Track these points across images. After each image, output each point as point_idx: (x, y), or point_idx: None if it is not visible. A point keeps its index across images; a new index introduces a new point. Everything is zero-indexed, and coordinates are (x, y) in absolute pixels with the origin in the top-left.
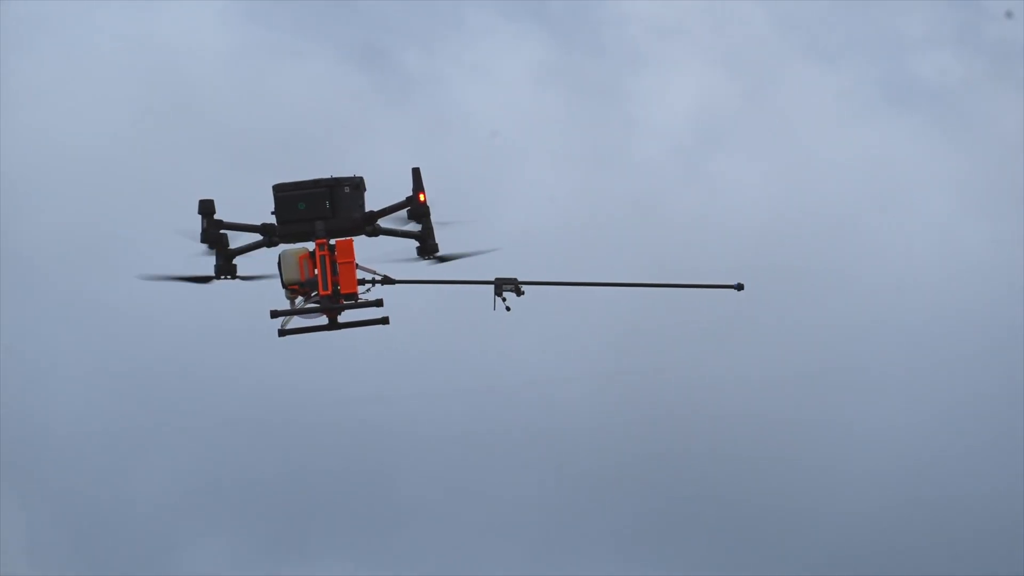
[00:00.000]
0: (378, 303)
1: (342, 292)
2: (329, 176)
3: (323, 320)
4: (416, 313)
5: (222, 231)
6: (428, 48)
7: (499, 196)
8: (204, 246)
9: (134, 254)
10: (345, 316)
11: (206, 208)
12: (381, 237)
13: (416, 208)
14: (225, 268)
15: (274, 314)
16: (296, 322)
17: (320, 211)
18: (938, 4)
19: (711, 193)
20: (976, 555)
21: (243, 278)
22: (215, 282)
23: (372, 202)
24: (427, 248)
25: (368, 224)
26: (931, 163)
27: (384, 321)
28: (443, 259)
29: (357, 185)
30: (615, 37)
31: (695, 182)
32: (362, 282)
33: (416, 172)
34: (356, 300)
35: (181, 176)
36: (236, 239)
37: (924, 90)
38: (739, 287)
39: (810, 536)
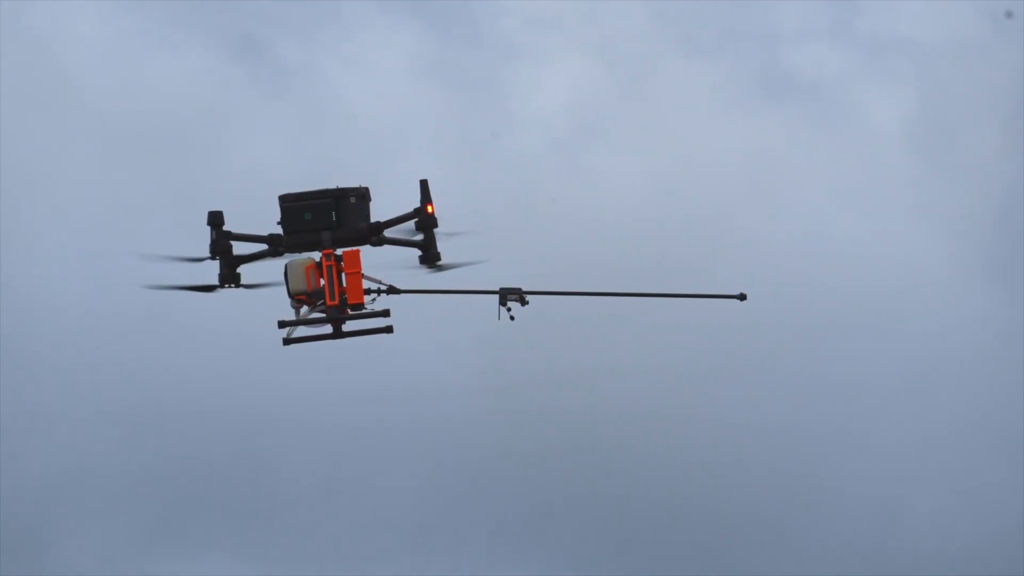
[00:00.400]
0: (385, 313)
1: (349, 302)
2: (335, 186)
3: (328, 329)
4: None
5: (231, 241)
6: (305, 40)
7: (376, 188)
8: (214, 257)
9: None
10: (350, 325)
11: (215, 219)
12: (384, 246)
13: (424, 219)
14: (229, 276)
15: (282, 324)
16: (301, 331)
17: (326, 221)
18: None
19: (586, 186)
20: None
21: (247, 286)
22: (220, 291)
23: (257, 193)
24: (430, 257)
25: (374, 234)
26: (806, 156)
27: (388, 330)
28: (444, 268)
29: (363, 195)
30: (491, 29)
31: (571, 175)
32: (368, 292)
33: (424, 184)
34: (363, 310)
35: (57, 167)
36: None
37: (799, 83)
38: (742, 297)
39: (682, 532)
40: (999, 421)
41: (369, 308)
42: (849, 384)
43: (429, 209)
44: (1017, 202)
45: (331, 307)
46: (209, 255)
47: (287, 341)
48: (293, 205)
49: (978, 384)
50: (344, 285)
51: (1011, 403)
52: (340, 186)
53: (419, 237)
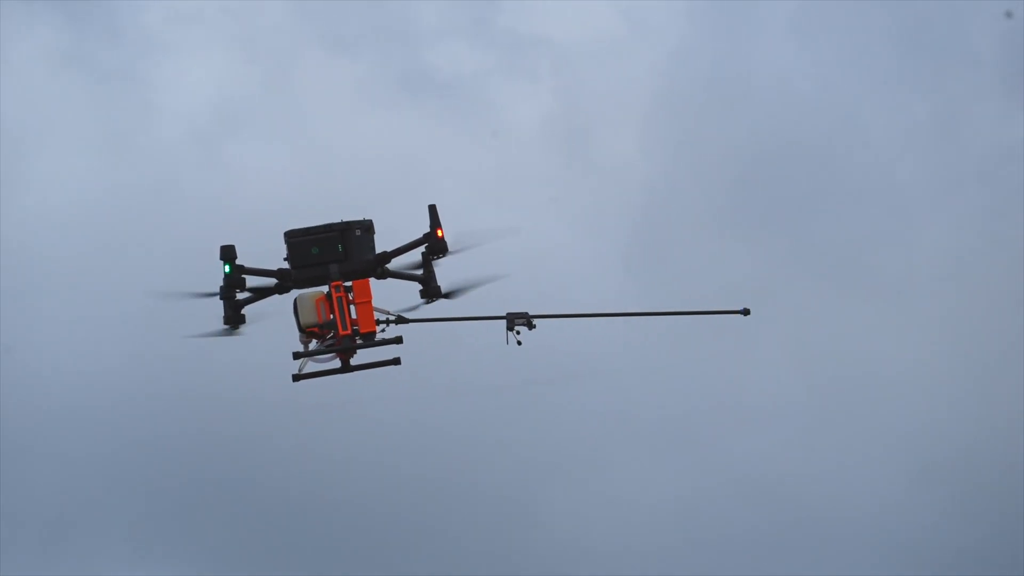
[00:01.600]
0: (398, 340)
1: (361, 332)
2: (339, 220)
3: (336, 363)
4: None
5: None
6: None
7: (12, 183)
8: (226, 291)
9: None
10: (358, 358)
11: (228, 254)
12: (388, 279)
13: (435, 244)
14: (234, 319)
15: (296, 355)
16: (311, 366)
17: (333, 254)
18: None
19: (228, 178)
20: None
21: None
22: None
23: None
24: (430, 291)
25: (381, 264)
26: (446, 153)
27: (396, 362)
28: (448, 296)
29: (368, 228)
30: (132, 23)
31: (212, 168)
32: (377, 322)
33: (432, 209)
34: (375, 339)
35: None
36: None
37: (437, 80)
38: (745, 312)
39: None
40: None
41: (381, 337)
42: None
43: (439, 234)
44: (656, 199)
45: (344, 337)
46: (222, 289)
47: (297, 377)
48: (299, 240)
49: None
50: (355, 316)
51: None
52: (344, 220)
53: (420, 272)
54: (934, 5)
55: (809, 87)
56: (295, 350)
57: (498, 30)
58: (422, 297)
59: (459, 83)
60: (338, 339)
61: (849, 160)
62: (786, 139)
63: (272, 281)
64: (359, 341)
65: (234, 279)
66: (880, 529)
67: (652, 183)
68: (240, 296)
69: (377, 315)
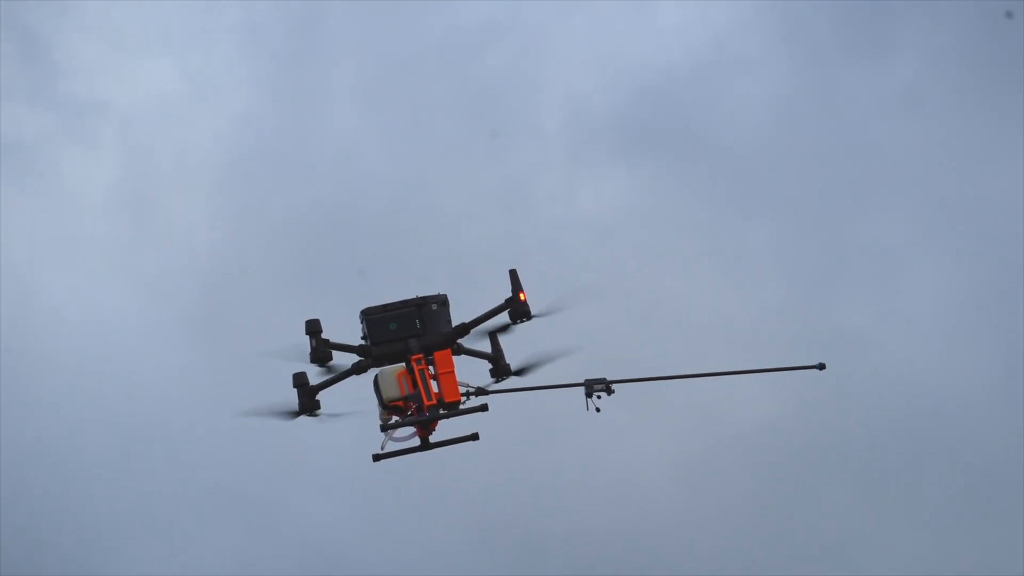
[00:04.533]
0: (483, 408)
1: (446, 401)
2: (415, 296)
3: (416, 442)
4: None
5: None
6: None
7: None
8: (315, 366)
9: None
10: (436, 435)
11: (313, 328)
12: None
13: (518, 308)
14: (310, 405)
15: (383, 428)
16: (390, 446)
17: (411, 329)
18: None
19: None
20: None
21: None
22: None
23: None
24: (500, 369)
25: (460, 336)
26: (10, 216)
27: (474, 437)
28: (518, 373)
29: (443, 302)
30: None
31: None
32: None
33: (513, 273)
34: (460, 408)
35: None
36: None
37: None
38: (821, 367)
39: None
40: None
41: (465, 405)
42: None
43: (522, 297)
44: (221, 265)
45: (429, 407)
46: (310, 361)
47: (377, 457)
48: (378, 317)
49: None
50: (436, 388)
51: None
52: (420, 295)
53: (489, 350)
54: (501, 82)
55: (375, 154)
56: (380, 424)
57: (59, 93)
58: (492, 376)
59: (21, 147)
60: (422, 410)
61: (414, 228)
62: (351, 206)
63: (349, 360)
64: (444, 411)
65: (321, 352)
66: None
67: (218, 249)
68: (314, 382)
69: (459, 387)
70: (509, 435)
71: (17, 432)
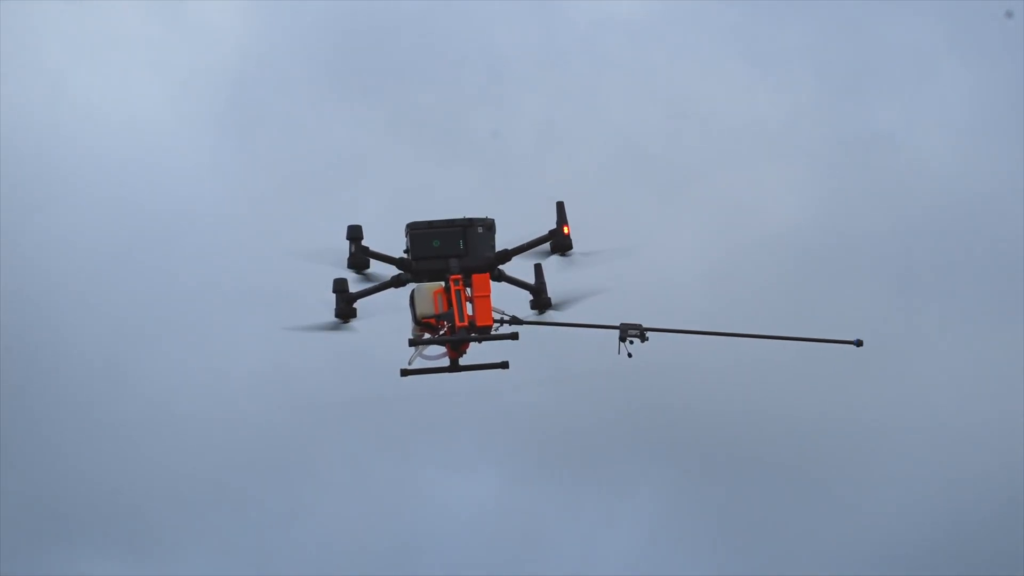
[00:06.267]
0: (513, 336)
1: (478, 325)
2: (463, 216)
3: (445, 362)
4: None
5: (368, 257)
6: None
7: None
8: (351, 272)
9: None
10: (466, 359)
11: (354, 233)
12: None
13: (560, 240)
14: (346, 311)
15: (411, 343)
16: (419, 362)
17: (454, 249)
18: None
19: None
20: None
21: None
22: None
23: None
24: (541, 303)
25: (501, 262)
26: None
27: (504, 365)
28: (557, 308)
29: (490, 226)
30: None
31: None
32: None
33: (560, 205)
34: (490, 334)
35: None
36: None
37: None
38: (858, 343)
39: None
40: None
41: (497, 331)
42: None
43: (566, 230)
44: None
45: (460, 328)
46: (347, 266)
47: (405, 372)
48: (422, 232)
49: None
50: (471, 311)
51: None
52: (467, 216)
53: (532, 281)
54: None
55: None
56: (409, 339)
57: None
58: (532, 308)
59: None
60: (454, 331)
61: (449, 29)
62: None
63: (389, 272)
64: (474, 334)
65: (359, 259)
66: None
67: (250, 47)
68: (353, 289)
69: (493, 314)
70: None
71: (53, 224)
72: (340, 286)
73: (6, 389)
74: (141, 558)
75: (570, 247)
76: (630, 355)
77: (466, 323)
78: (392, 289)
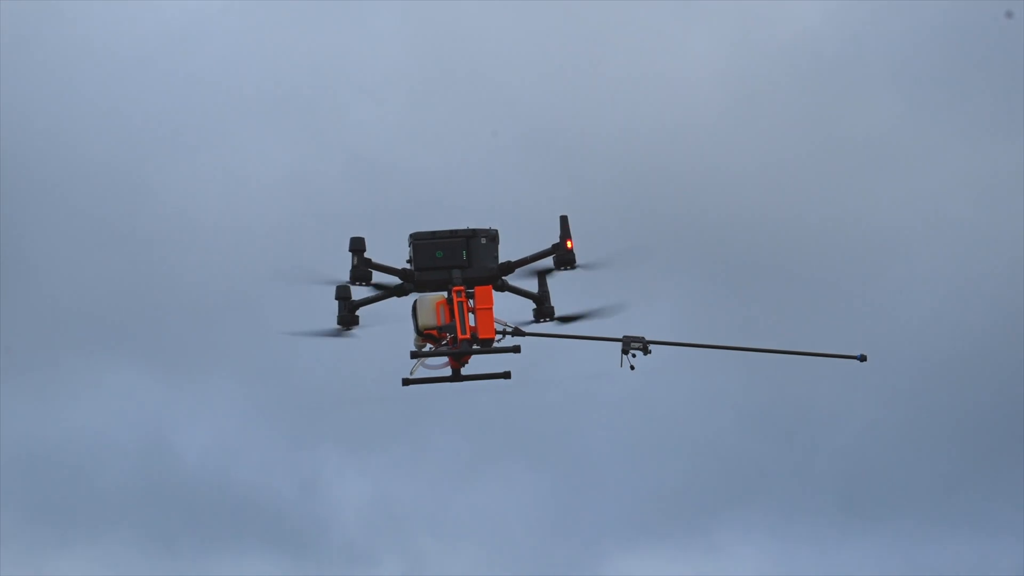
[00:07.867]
0: (515, 349)
1: (480, 337)
2: (466, 227)
3: (447, 371)
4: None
5: (370, 270)
6: None
7: None
8: (352, 284)
9: None
10: (468, 368)
11: (357, 246)
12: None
13: (563, 255)
14: (348, 320)
15: (414, 355)
16: (421, 372)
17: (457, 260)
18: None
19: None
20: None
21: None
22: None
23: None
24: (544, 311)
25: (504, 274)
26: None
27: (506, 376)
28: (561, 320)
29: (493, 237)
30: None
31: None
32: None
33: (564, 220)
34: (492, 346)
35: None
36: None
37: None
38: (862, 358)
39: None
40: None
41: (499, 344)
42: None
43: (569, 244)
44: None
45: (462, 341)
46: (350, 279)
47: (407, 381)
48: (425, 243)
49: None
50: (473, 323)
51: None
52: (471, 227)
53: (535, 290)
54: None
55: None
56: (412, 350)
57: None
58: (534, 317)
59: None
60: (456, 343)
61: None
62: None
63: (392, 281)
64: (476, 347)
65: (361, 271)
66: None
67: None
68: (356, 297)
69: (495, 325)
70: None
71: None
72: (343, 292)
73: (25, 201)
74: (160, 367)
75: (573, 262)
76: (632, 367)
77: (468, 335)
78: (395, 298)
